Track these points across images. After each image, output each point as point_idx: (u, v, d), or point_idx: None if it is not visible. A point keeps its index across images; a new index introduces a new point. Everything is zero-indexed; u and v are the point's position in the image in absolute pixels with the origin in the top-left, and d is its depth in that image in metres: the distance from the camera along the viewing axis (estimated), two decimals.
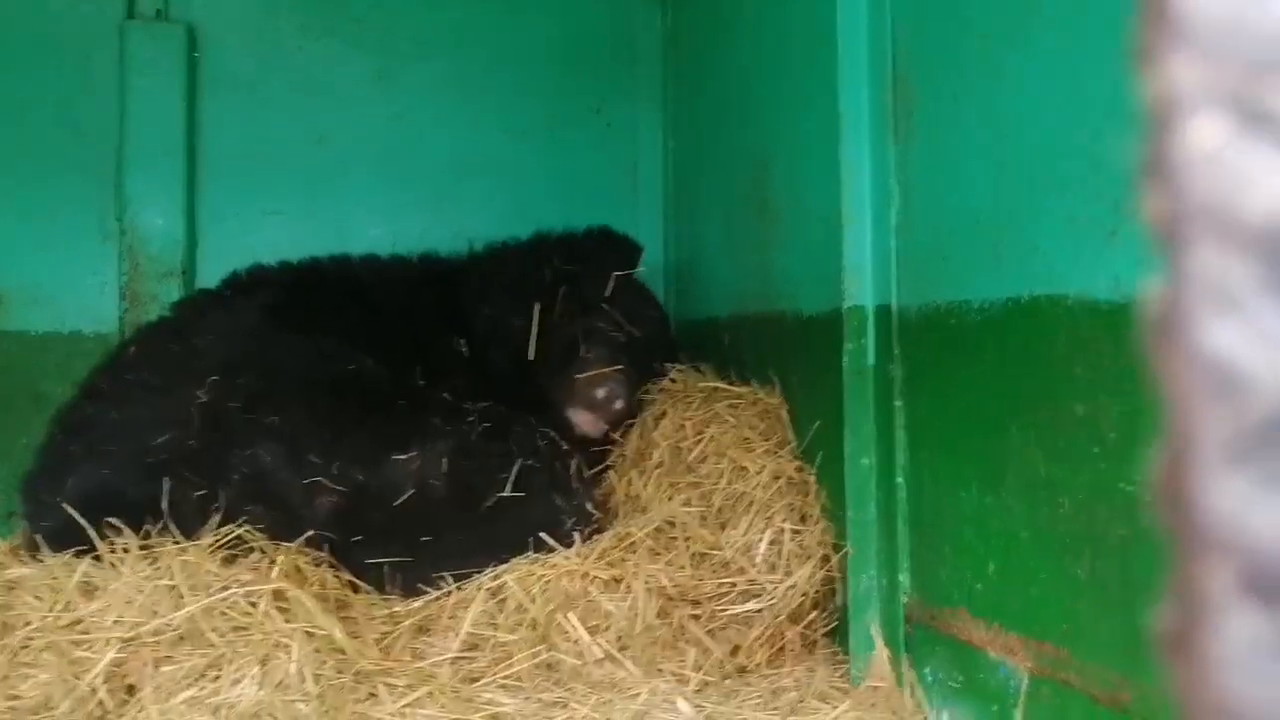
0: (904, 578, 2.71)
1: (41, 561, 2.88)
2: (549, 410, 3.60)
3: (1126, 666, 1.90)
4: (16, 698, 2.46)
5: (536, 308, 3.68)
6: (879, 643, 2.74)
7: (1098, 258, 2.01)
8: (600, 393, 3.59)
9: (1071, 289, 2.09)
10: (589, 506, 3.23)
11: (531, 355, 3.66)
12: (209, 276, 4.38)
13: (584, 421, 3.65)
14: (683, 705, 2.57)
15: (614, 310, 3.77)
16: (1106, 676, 1.95)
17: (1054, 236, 2.15)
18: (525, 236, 4.08)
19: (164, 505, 2.90)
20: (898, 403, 2.74)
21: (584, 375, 3.62)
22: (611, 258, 3.85)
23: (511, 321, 3.72)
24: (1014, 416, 2.26)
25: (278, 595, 2.67)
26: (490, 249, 4.05)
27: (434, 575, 3.00)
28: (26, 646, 2.57)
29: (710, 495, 3.20)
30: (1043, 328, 2.18)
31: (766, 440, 3.28)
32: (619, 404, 3.62)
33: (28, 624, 2.61)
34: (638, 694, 2.63)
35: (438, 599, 2.98)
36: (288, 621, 2.60)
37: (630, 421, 3.69)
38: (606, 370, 3.62)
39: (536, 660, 2.75)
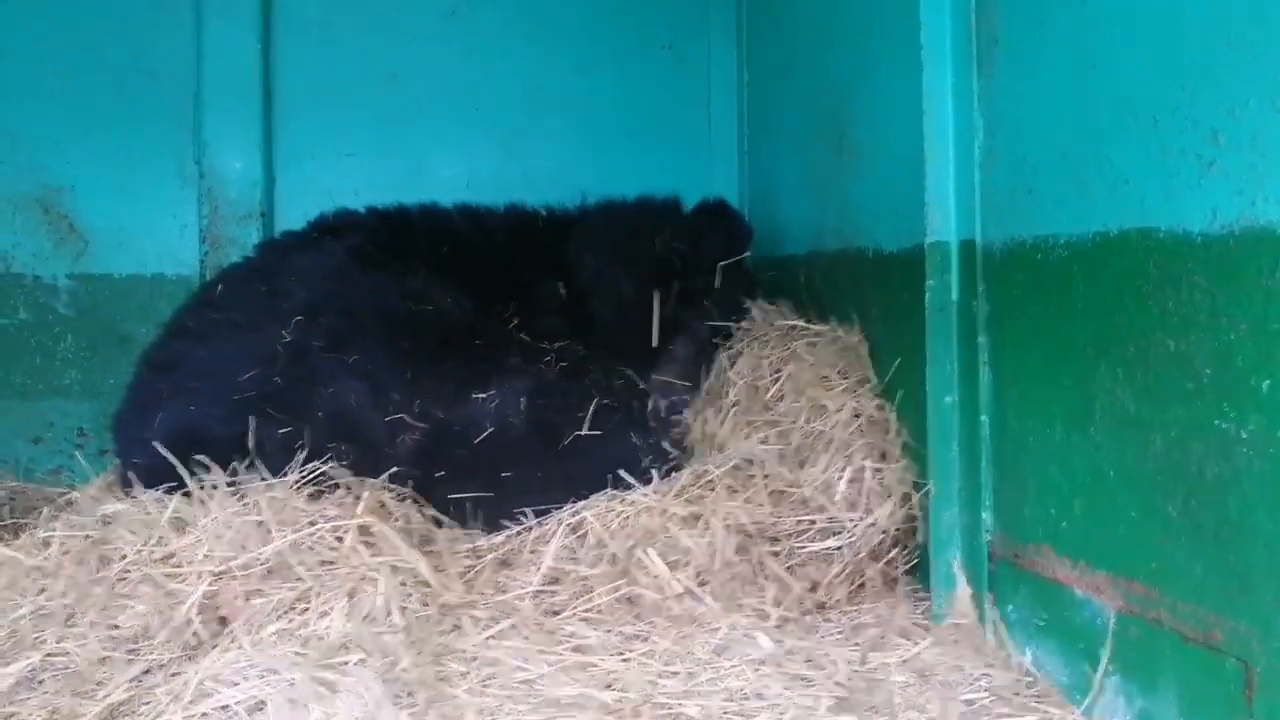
0: (987, 515, 2.68)
1: (134, 497, 2.96)
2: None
3: (1220, 605, 1.86)
4: (116, 627, 2.54)
5: (656, 296, 3.73)
6: (961, 580, 2.72)
7: (1193, 190, 1.95)
8: (663, 404, 3.69)
9: (1164, 222, 2.03)
10: (665, 445, 3.24)
11: (654, 342, 3.73)
12: (287, 219, 4.44)
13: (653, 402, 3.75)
14: (763, 640, 2.58)
15: (711, 304, 3.81)
16: (1198, 615, 1.92)
17: (1145, 169, 2.09)
18: (631, 197, 4.10)
19: (250, 443, 2.96)
20: (981, 339, 2.70)
21: (661, 378, 3.73)
22: (719, 241, 3.85)
23: (619, 282, 3.78)
24: (1102, 353, 2.21)
25: (363, 530, 2.73)
26: (600, 206, 4.07)
27: (514, 511, 3.04)
28: (124, 579, 2.65)
29: (788, 434, 3.19)
30: (1133, 262, 2.12)
31: (846, 378, 3.26)
32: (675, 418, 3.67)
33: (124, 557, 2.69)
34: (717, 628, 2.65)
35: (518, 534, 3.02)
36: (373, 556, 2.65)
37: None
38: (677, 384, 3.71)
39: (617, 594, 2.78)
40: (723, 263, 3.81)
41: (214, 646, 2.42)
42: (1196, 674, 1.93)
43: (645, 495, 2.96)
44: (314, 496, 2.86)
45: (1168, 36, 2.01)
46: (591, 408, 3.16)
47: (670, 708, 2.27)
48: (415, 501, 3.01)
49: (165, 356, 3.35)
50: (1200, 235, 1.92)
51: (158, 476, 2.96)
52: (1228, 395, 1.85)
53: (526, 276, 3.69)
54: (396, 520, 2.88)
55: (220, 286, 3.55)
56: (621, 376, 3.39)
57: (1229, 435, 1.84)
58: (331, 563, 2.64)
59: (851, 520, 2.94)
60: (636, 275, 3.76)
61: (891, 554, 3.00)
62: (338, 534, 2.70)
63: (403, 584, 2.60)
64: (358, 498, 2.86)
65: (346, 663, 2.29)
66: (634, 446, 3.15)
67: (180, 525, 2.78)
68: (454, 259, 3.57)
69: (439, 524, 3.04)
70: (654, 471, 3.08)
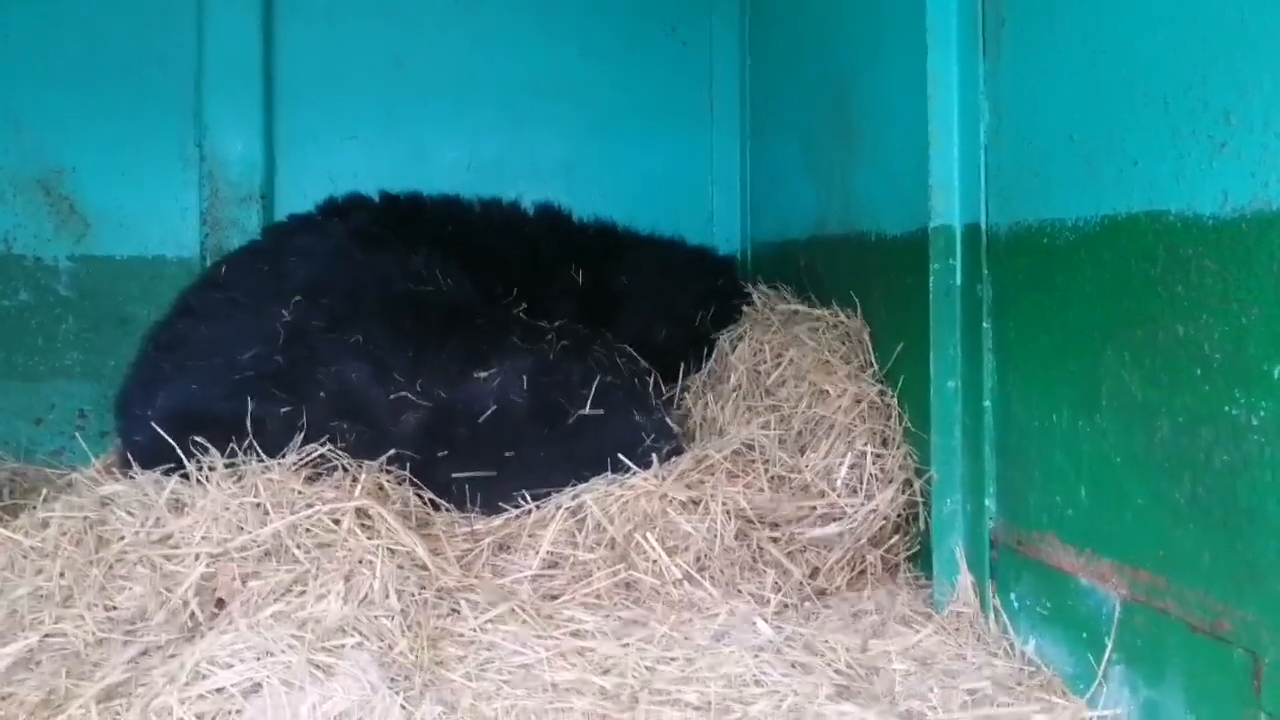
0: (989, 502, 2.66)
1: (133, 478, 2.94)
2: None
3: (1228, 594, 1.84)
4: (113, 608, 2.53)
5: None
6: (963, 567, 2.70)
7: (1204, 172, 1.92)
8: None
9: (1173, 205, 2.01)
10: (669, 422, 3.21)
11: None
12: (288, 202, 4.44)
13: None
14: (762, 626, 2.56)
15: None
16: (1206, 604, 1.90)
17: (1155, 151, 2.06)
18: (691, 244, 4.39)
19: (248, 423, 2.94)
20: (986, 324, 2.67)
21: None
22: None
23: (653, 328, 3.89)
24: (1108, 338, 2.19)
25: (360, 513, 2.71)
26: (652, 245, 4.24)
27: (514, 493, 3.01)
28: (121, 560, 2.64)
29: (789, 419, 3.18)
30: (1141, 246, 2.09)
31: (847, 363, 3.24)
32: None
33: (121, 538, 2.67)
34: (716, 614, 2.64)
35: (517, 518, 3.00)
36: (370, 539, 2.63)
37: None
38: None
39: (615, 579, 2.76)
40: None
41: (211, 628, 2.41)
42: (1203, 664, 1.91)
43: (645, 480, 2.94)
44: (312, 478, 2.84)
45: (1179, 16, 1.99)
46: (594, 386, 3.12)
47: (668, 693, 2.26)
48: (413, 484, 2.99)
49: (169, 335, 3.34)
50: (1211, 218, 1.90)
51: (156, 456, 2.94)
52: (1238, 381, 1.82)
53: (536, 260, 3.69)
54: (394, 503, 2.86)
55: (225, 267, 3.55)
56: (624, 354, 3.36)
57: (1239, 421, 1.82)
58: (329, 545, 2.62)
59: (852, 506, 2.92)
60: (671, 330, 3.90)
61: (893, 540, 2.98)
62: (335, 516, 2.68)
63: (400, 567, 2.58)
64: (355, 480, 2.84)
65: (343, 645, 2.27)
66: (637, 425, 3.12)
67: (178, 506, 2.76)
68: (458, 241, 3.56)
69: (436, 507, 3.03)
70: (654, 453, 3.05)
